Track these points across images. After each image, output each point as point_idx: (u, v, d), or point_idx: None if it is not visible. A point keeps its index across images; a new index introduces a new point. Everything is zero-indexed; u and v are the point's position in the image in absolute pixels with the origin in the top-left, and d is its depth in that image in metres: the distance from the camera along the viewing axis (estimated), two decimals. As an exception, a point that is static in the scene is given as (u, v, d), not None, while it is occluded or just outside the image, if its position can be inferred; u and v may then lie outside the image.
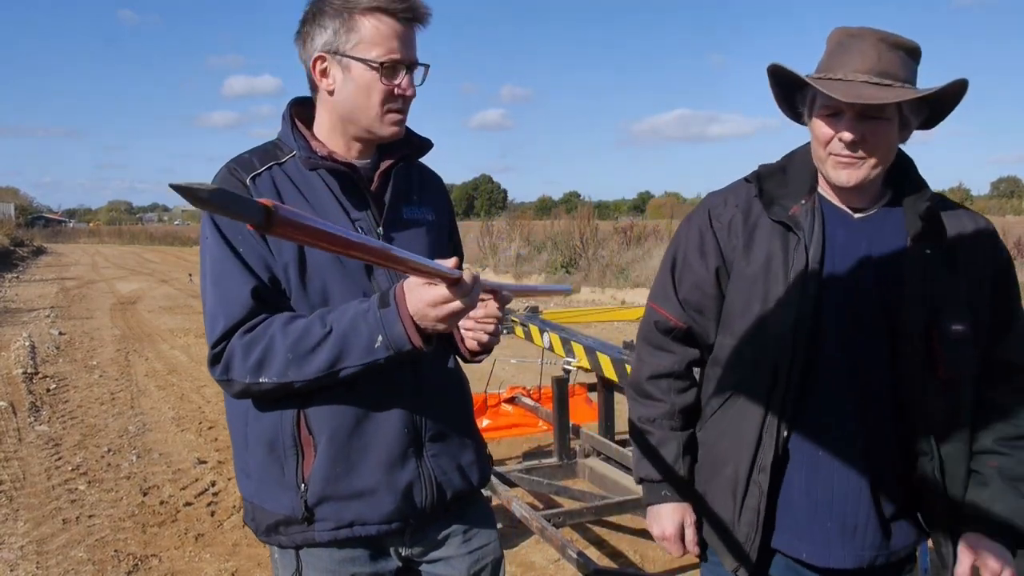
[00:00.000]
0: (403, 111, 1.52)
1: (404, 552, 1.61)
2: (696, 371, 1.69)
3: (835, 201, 1.54)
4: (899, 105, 1.40)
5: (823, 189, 1.55)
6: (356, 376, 1.42)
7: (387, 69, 1.47)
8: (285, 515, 1.51)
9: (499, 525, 4.14)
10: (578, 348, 3.79)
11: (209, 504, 4.52)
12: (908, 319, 1.45)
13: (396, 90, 1.49)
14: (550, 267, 17.62)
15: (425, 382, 1.56)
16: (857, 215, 1.53)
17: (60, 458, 5.29)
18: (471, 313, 1.49)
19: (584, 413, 5.11)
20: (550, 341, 4.07)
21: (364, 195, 1.54)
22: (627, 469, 3.90)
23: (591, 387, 5.10)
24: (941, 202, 1.55)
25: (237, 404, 1.54)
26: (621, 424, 5.27)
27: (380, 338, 1.38)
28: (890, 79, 1.39)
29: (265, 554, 3.88)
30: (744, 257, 1.55)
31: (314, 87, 1.55)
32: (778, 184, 1.56)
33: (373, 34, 1.45)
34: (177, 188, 0.74)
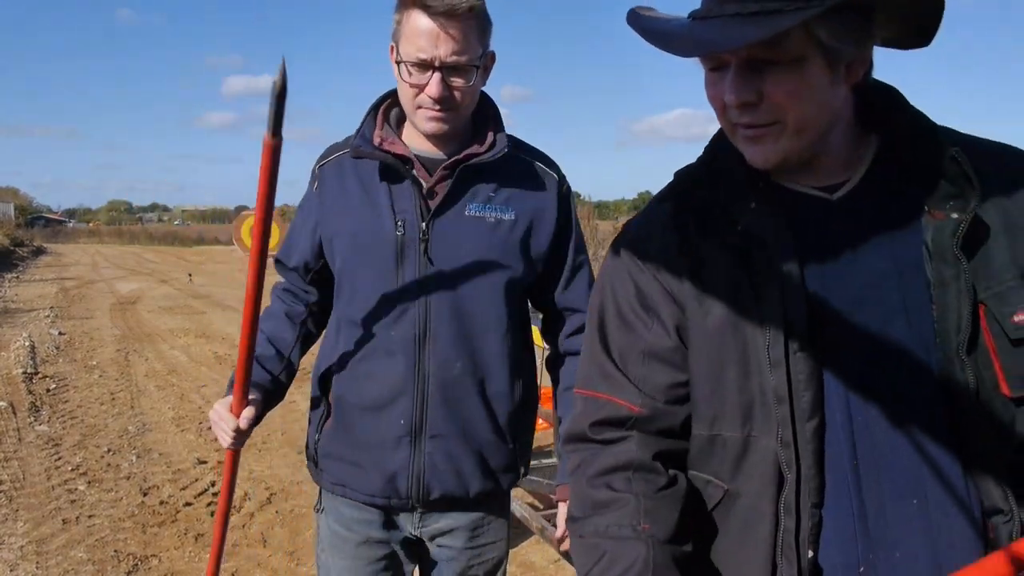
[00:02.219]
0: (439, 110, 1.51)
1: (414, 531, 1.69)
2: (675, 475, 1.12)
3: (797, 184, 1.07)
4: (808, 32, 0.93)
5: (778, 173, 1.08)
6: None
7: (415, 67, 1.49)
8: (309, 450, 1.74)
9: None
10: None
11: (209, 504, 4.51)
12: (948, 324, 0.99)
13: (423, 90, 1.50)
14: (550, 267, 17.61)
15: (433, 380, 1.57)
16: (836, 195, 1.06)
17: (60, 458, 5.29)
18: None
19: (584, 413, 5.09)
20: (550, 341, 4.07)
21: (413, 186, 1.56)
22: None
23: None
24: (957, 138, 1.07)
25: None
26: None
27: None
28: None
29: (265, 554, 3.88)
30: (697, 306, 1.07)
31: None
32: (711, 189, 1.11)
33: (408, 30, 1.48)
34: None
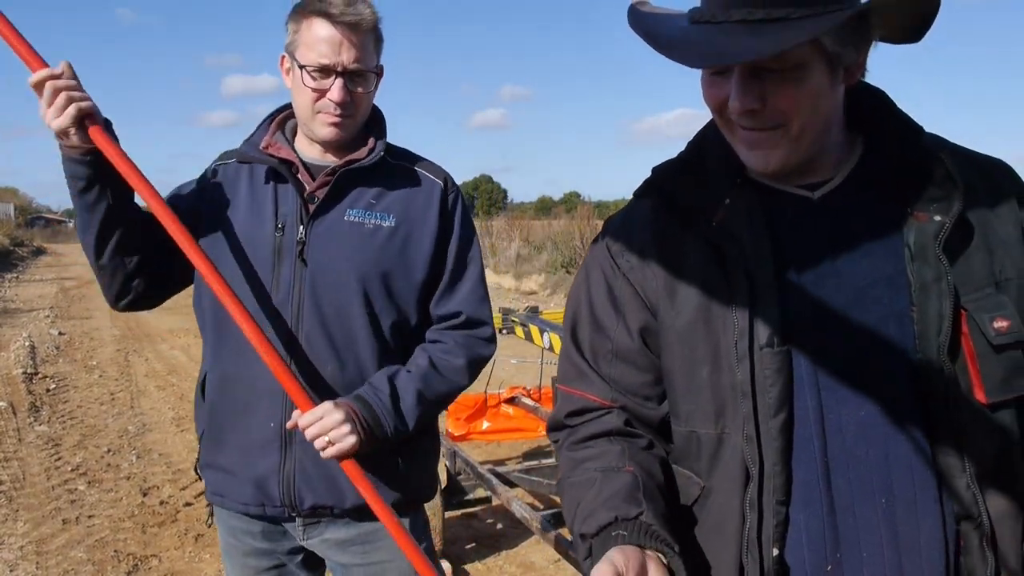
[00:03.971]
0: (339, 115, 1.54)
1: (301, 541, 1.66)
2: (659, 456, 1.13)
3: (777, 183, 1.07)
4: (812, 40, 0.92)
5: (757, 171, 1.07)
6: (88, 206, 1.52)
7: (316, 72, 1.52)
8: (199, 462, 1.70)
9: (499, 526, 4.13)
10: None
11: (209, 504, 4.51)
12: (929, 326, 0.98)
13: (325, 95, 1.52)
14: (550, 267, 17.61)
15: (305, 386, 1.51)
16: (816, 193, 1.06)
17: (60, 458, 5.29)
18: None
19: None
20: (550, 341, 4.08)
21: (295, 189, 1.59)
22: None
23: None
24: (943, 145, 1.08)
25: None
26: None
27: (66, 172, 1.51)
28: (783, 6, 0.91)
29: (265, 554, 3.88)
30: (670, 305, 1.07)
31: None
32: (689, 185, 1.10)
33: (309, 37, 1.51)
34: None
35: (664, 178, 1.14)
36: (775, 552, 1.00)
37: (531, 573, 3.66)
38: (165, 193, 1.64)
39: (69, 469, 5.08)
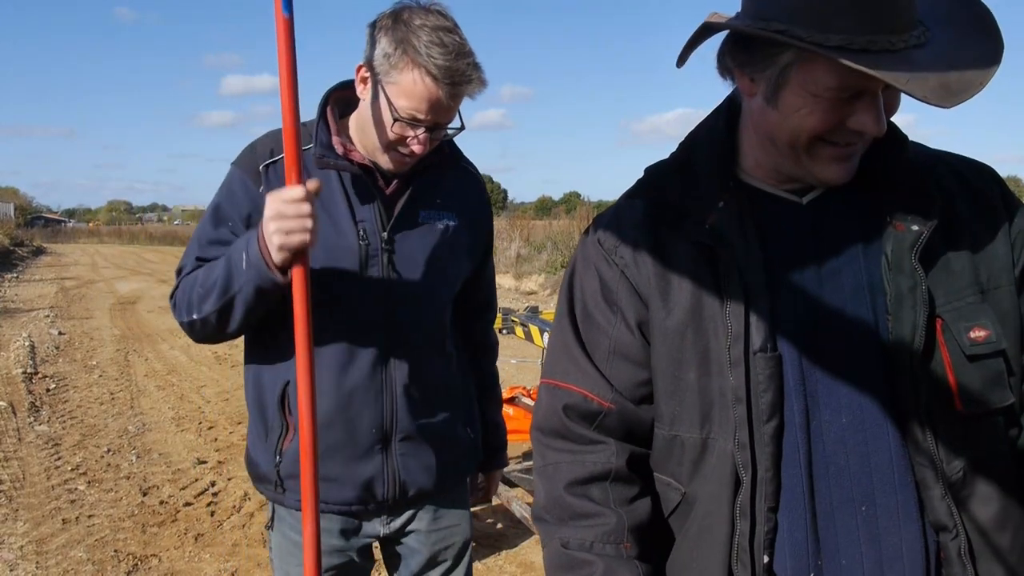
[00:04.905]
0: (410, 156, 1.52)
1: (384, 530, 1.70)
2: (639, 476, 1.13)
3: (768, 186, 1.07)
4: None
5: (748, 173, 1.08)
6: (251, 308, 1.46)
7: (406, 121, 1.47)
8: (263, 472, 1.66)
9: (499, 526, 4.14)
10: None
11: (209, 504, 4.51)
12: (902, 336, 0.98)
13: (406, 141, 1.50)
14: (550, 267, 17.61)
15: (400, 385, 1.59)
16: (805, 198, 1.06)
17: (60, 458, 5.29)
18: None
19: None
20: (550, 341, 4.07)
21: (375, 196, 1.57)
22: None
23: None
24: (924, 153, 1.10)
25: (246, 369, 1.69)
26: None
27: (245, 256, 1.41)
28: (918, 24, 0.90)
29: (265, 555, 3.88)
30: (660, 305, 1.07)
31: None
32: (682, 187, 1.09)
33: (410, 87, 1.44)
34: None
35: (656, 179, 1.14)
36: (765, 559, 0.99)
37: (531, 573, 3.66)
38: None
39: (69, 469, 5.08)
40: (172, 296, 1.60)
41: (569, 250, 18.08)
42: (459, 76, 1.43)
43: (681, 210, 1.07)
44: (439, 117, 1.47)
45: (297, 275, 1.33)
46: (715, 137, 1.08)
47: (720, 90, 1.10)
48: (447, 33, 1.43)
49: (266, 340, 1.60)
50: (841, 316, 1.01)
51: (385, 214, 1.57)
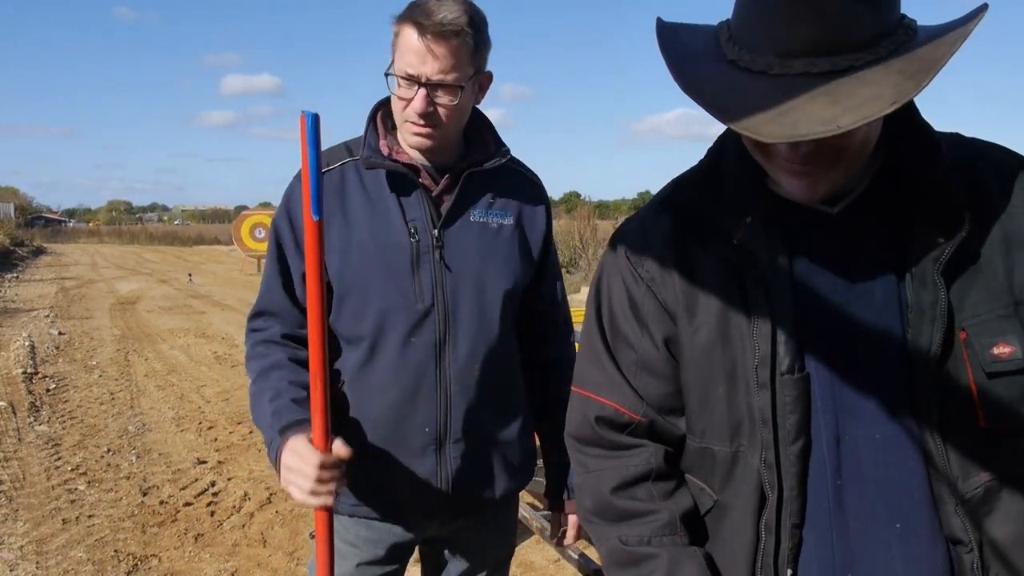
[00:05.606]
0: (423, 125, 1.52)
1: (434, 534, 1.71)
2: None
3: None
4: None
5: (776, 182, 1.03)
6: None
7: (404, 80, 1.49)
8: None
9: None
10: (578, 348, 3.78)
11: (209, 504, 4.52)
12: (920, 351, 0.96)
13: (409, 103, 1.51)
14: (550, 267, 17.62)
15: (456, 384, 1.59)
16: (835, 208, 1.03)
17: (60, 458, 5.29)
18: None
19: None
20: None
21: (423, 194, 1.58)
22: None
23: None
24: (965, 149, 1.03)
25: None
26: (621, 424, 5.28)
27: (268, 448, 1.51)
28: (847, 52, 0.83)
29: (264, 554, 3.88)
30: (687, 321, 1.06)
31: None
32: (709, 199, 1.06)
33: (401, 44, 1.49)
34: None
35: (683, 192, 1.11)
36: (789, 573, 1.01)
37: (531, 573, 3.66)
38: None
39: (69, 469, 5.08)
40: (250, 320, 1.67)
41: (569, 250, 18.08)
42: (442, 25, 1.44)
43: (708, 224, 1.05)
44: (429, 70, 1.47)
45: (321, 518, 1.41)
46: (743, 143, 1.02)
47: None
48: None
49: None
50: (871, 331, 0.99)
51: (435, 212, 1.59)
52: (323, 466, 1.36)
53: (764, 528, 1.02)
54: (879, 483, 0.98)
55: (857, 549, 0.99)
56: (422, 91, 1.49)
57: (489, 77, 1.60)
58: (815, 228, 1.02)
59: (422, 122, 1.51)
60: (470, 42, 1.49)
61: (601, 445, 1.14)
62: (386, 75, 1.53)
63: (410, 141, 1.56)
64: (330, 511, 1.41)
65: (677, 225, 1.09)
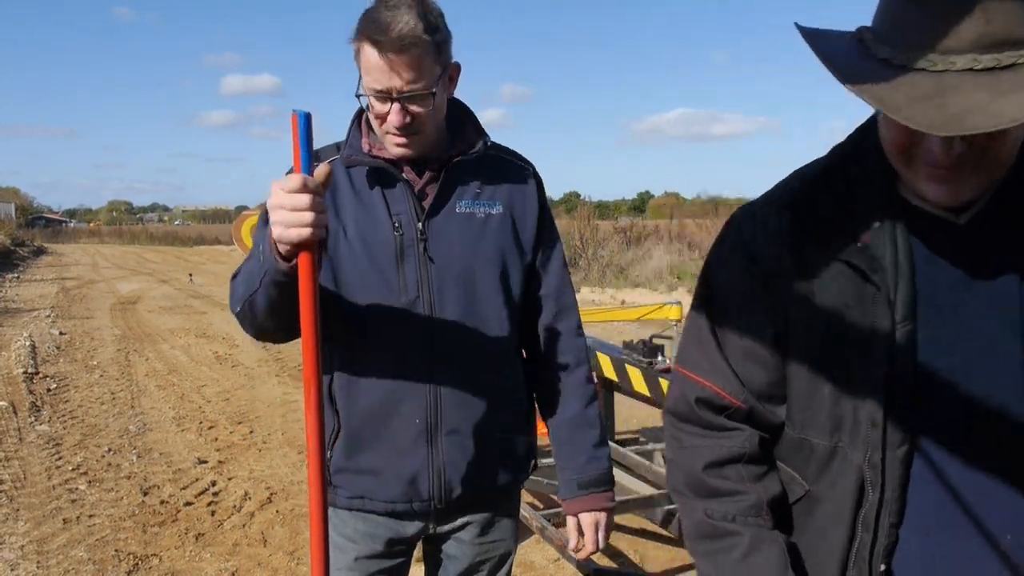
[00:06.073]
0: (403, 135, 1.53)
1: (431, 531, 1.69)
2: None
3: (925, 203, 1.01)
4: None
5: (905, 187, 1.01)
6: (274, 301, 1.41)
7: (374, 98, 1.50)
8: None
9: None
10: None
11: (209, 504, 4.52)
12: None
13: (387, 118, 1.51)
14: (550, 267, 17.60)
15: (446, 375, 1.58)
16: (962, 217, 1.00)
17: (60, 458, 5.30)
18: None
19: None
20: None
21: (405, 188, 1.59)
22: (627, 469, 3.90)
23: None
24: None
25: None
26: (621, 424, 5.28)
27: (262, 246, 1.39)
28: (1011, 47, 0.81)
29: (265, 554, 3.89)
30: (801, 321, 1.06)
31: None
32: (835, 198, 1.05)
33: (364, 62, 1.49)
34: None
35: (808, 190, 1.09)
36: (882, 567, 1.02)
37: (531, 573, 3.66)
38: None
39: (70, 469, 5.08)
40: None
41: (570, 249, 18.07)
42: (400, 40, 1.43)
43: (833, 225, 1.03)
44: (398, 84, 1.47)
45: (303, 264, 1.24)
46: (872, 145, 1.01)
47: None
48: (386, 5, 1.45)
49: None
50: (992, 339, 0.98)
51: (418, 205, 1.59)
52: (305, 187, 1.22)
53: (862, 524, 1.03)
54: (991, 492, 0.98)
55: (961, 553, 0.99)
56: (396, 105, 1.49)
57: (457, 67, 1.59)
58: (941, 240, 1.00)
59: (402, 133, 1.53)
60: (430, 47, 1.48)
61: (699, 424, 1.15)
62: (357, 96, 1.54)
63: (395, 152, 1.57)
64: (324, 491, 1.29)
65: (798, 222, 1.07)
